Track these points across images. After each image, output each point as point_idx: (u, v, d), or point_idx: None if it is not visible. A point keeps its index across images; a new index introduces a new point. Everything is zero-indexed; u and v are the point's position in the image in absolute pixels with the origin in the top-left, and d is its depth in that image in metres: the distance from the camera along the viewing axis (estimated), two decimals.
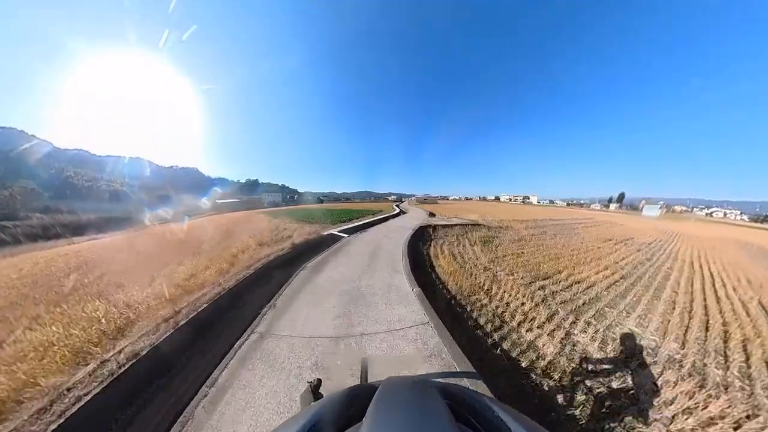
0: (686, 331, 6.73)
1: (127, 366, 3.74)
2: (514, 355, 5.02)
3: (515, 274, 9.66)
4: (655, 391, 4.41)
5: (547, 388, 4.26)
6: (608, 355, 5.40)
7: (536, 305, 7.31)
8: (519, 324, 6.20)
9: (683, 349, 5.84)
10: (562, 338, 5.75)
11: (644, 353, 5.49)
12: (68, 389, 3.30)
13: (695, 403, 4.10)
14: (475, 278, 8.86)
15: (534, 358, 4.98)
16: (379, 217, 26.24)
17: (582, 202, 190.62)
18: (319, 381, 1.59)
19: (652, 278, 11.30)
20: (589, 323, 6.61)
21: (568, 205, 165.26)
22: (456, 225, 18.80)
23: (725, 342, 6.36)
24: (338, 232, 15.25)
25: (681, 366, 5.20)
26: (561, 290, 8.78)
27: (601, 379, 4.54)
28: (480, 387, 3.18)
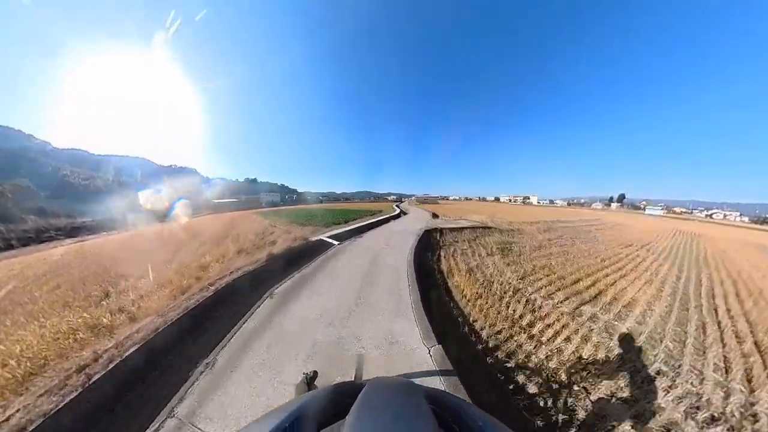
0: None
1: None
2: None
3: (554, 298, 7.66)
4: None
5: None
6: None
7: (596, 347, 5.34)
8: (586, 387, 4.19)
9: None
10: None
11: None
12: None
13: None
14: (508, 306, 6.84)
15: None
16: (378, 219, 24.18)
17: (582, 201, 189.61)
18: (315, 373, 1.84)
19: (699, 297, 9.34)
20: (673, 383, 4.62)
21: (569, 204, 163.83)
22: (465, 228, 16.80)
23: None
24: (329, 237, 13.19)
25: None
26: (614, 320, 6.80)
27: None
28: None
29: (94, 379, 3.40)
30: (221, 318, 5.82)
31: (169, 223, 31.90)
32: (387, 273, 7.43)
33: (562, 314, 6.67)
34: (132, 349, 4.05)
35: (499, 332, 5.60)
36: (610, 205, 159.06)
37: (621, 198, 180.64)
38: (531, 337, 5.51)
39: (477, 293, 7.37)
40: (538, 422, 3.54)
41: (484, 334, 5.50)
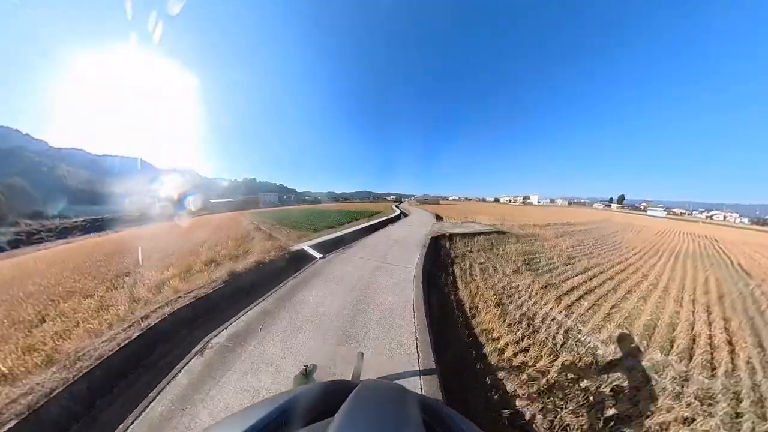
0: None
1: None
2: None
3: (641, 354, 5.26)
4: None
5: None
6: None
7: None
8: None
9: None
10: None
11: None
12: None
13: None
14: (576, 374, 4.41)
15: None
16: (376, 221, 21.68)
17: (584, 201, 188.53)
18: (314, 367, 2.06)
19: None
20: None
21: (570, 204, 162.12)
22: (477, 234, 14.39)
23: None
24: (314, 247, 10.67)
25: None
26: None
27: None
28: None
29: None
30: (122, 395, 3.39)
31: (157, 224, 30.90)
32: (380, 323, 4.62)
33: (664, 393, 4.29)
34: None
35: None
36: (610, 206, 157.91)
37: (621, 199, 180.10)
38: None
39: (518, 345, 4.95)
40: None
41: None
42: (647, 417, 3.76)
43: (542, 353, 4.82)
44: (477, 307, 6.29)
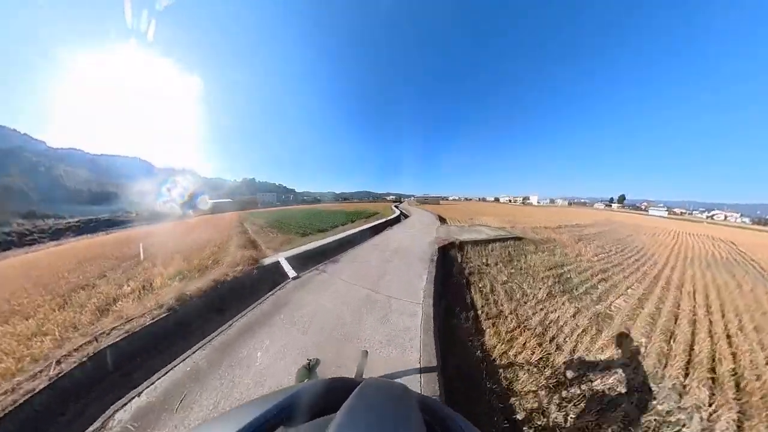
0: None
1: None
2: None
3: None
4: None
5: None
6: None
7: None
8: None
9: None
10: None
11: None
12: None
13: None
14: None
15: None
16: (373, 224, 19.67)
17: (584, 201, 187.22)
18: (318, 361, 1.95)
19: None
20: None
21: (570, 204, 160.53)
22: (491, 241, 12.48)
23: None
24: (291, 260, 8.61)
25: None
26: None
27: None
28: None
29: None
30: None
31: (151, 226, 30.32)
32: None
33: None
34: None
35: None
36: (611, 206, 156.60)
37: (621, 199, 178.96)
38: None
39: None
40: None
41: None
42: None
43: None
44: (514, 368, 4.30)
